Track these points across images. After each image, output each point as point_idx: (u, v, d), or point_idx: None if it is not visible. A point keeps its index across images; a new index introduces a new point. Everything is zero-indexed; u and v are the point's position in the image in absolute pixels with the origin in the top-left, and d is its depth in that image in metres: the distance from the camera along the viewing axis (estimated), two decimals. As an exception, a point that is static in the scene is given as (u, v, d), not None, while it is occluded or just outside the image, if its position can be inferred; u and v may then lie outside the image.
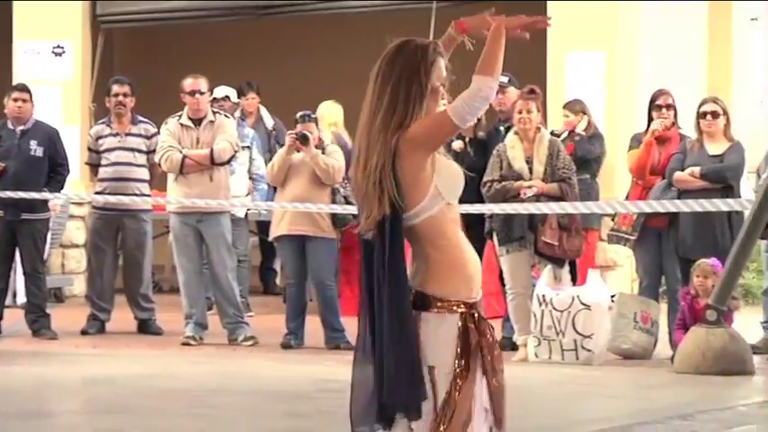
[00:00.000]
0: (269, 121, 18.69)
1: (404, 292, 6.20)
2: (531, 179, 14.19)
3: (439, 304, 6.24)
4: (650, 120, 14.84)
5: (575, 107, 15.92)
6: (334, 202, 14.78)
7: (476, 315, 6.28)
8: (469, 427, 6.28)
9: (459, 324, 6.22)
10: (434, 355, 6.22)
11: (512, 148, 14.28)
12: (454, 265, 6.32)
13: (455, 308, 6.22)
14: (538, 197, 14.08)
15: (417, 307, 6.25)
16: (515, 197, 14.12)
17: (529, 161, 14.24)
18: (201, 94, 15.41)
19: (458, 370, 6.21)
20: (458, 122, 6.11)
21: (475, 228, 14.46)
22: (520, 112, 14.34)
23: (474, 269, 6.43)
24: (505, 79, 15.51)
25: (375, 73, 6.42)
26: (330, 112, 17.15)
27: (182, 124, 15.37)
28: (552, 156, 14.25)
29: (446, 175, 6.28)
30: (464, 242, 6.43)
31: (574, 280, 14.35)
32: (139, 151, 15.93)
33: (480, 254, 14.65)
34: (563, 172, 14.24)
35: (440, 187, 6.22)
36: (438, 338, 6.24)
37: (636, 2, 18.62)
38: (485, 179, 14.25)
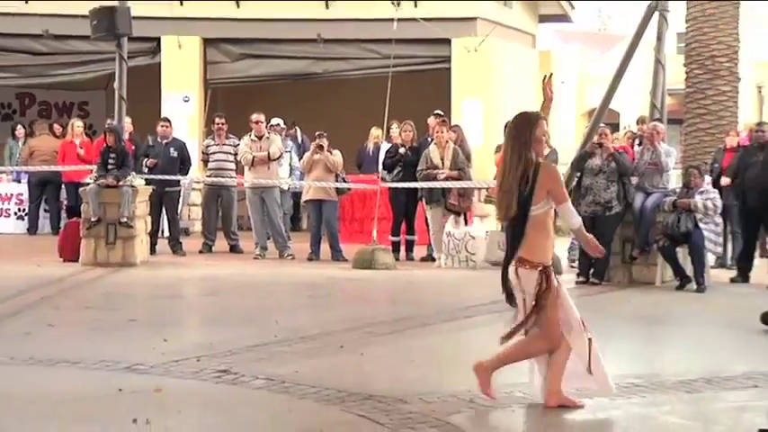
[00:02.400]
0: (300, 138, 18.57)
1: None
2: (442, 169, 14.26)
3: (528, 265, 6.12)
4: (506, 137, 15.03)
5: (455, 128, 15.55)
6: (336, 181, 14.76)
7: (549, 270, 6.12)
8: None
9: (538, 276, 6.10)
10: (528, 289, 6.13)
11: (432, 151, 14.30)
12: (541, 242, 6.13)
13: (538, 267, 6.10)
14: (446, 178, 14.16)
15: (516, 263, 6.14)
16: (434, 178, 14.22)
17: (442, 159, 14.28)
18: (261, 122, 15.33)
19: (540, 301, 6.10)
20: (559, 210, 6.08)
21: (413, 195, 14.72)
22: (437, 132, 14.57)
23: (552, 245, 6.20)
24: (441, 112, 15.78)
25: (507, 131, 6.30)
26: (376, 132, 17.18)
27: (251, 139, 15.21)
28: (455, 156, 14.31)
29: None
30: (551, 231, 6.21)
31: (466, 223, 14.42)
32: (230, 154, 15.81)
33: (415, 209, 14.98)
34: (460, 165, 14.29)
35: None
36: (529, 283, 6.14)
37: (498, 72, 18.75)
38: (418, 168, 14.27)
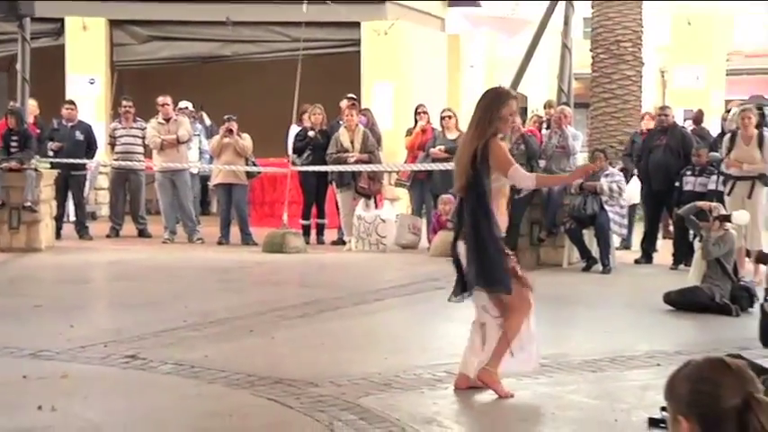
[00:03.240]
0: (208, 121, 18.54)
1: (494, 219, 6.04)
2: (352, 152, 14.33)
3: None
4: (416, 121, 15.07)
5: (365, 112, 15.71)
6: (246, 164, 14.72)
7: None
8: None
9: None
10: None
11: (342, 134, 14.31)
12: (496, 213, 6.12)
13: None
14: (356, 162, 14.18)
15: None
16: (344, 162, 14.23)
17: (352, 142, 14.33)
18: (168, 105, 15.21)
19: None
20: (508, 179, 6.11)
21: (323, 178, 14.70)
22: (346, 115, 14.55)
23: (504, 219, 6.24)
24: (354, 95, 15.73)
25: (476, 104, 6.27)
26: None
27: (159, 122, 15.09)
28: (364, 139, 14.37)
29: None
30: (503, 206, 6.23)
31: (376, 206, 14.50)
32: (138, 137, 15.60)
33: (326, 192, 14.97)
34: (370, 148, 14.34)
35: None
36: None
37: (408, 55, 18.78)
38: (328, 152, 14.28)
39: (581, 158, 14.39)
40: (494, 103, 6.18)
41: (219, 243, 14.61)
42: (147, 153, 15.81)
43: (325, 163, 14.38)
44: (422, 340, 8.09)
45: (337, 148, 14.27)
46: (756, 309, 8.46)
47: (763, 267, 9.62)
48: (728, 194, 11.62)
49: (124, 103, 15.94)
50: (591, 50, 16.69)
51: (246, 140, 14.71)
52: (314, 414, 5.75)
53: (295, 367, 6.82)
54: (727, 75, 24.90)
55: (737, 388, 2.54)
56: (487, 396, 6.29)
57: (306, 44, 16.34)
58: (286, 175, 14.98)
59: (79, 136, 15.27)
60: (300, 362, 7.06)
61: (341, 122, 14.86)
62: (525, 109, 21.41)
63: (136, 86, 19.23)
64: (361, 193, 14.24)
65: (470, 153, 6.09)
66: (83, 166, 15.39)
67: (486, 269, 6.09)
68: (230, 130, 14.57)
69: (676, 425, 2.58)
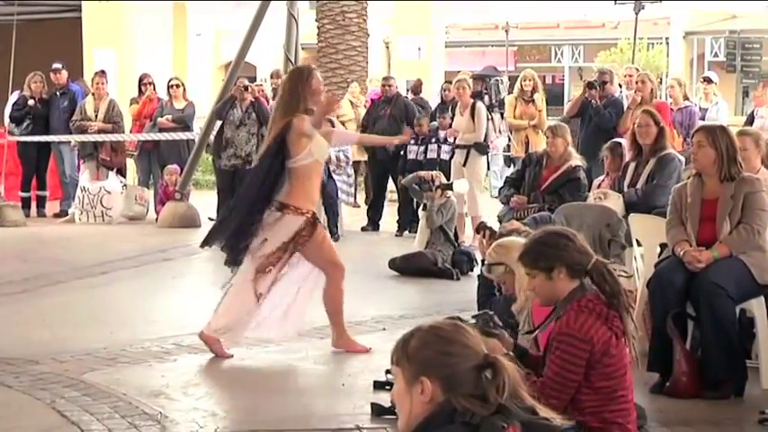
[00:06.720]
0: None
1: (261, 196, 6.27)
2: (95, 121, 13.64)
3: (292, 210, 6.31)
4: (140, 90, 14.62)
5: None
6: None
7: (315, 217, 6.42)
8: None
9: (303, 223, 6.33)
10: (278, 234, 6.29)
11: (88, 102, 13.75)
12: (306, 191, 6.36)
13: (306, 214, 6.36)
14: (99, 131, 13.50)
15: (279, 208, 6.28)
16: (86, 130, 13.53)
17: (96, 111, 13.70)
18: None
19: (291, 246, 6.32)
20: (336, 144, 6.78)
21: (44, 148, 14.07)
22: (96, 83, 13.84)
23: (316, 195, 6.54)
24: (59, 65, 15.06)
25: (281, 87, 6.48)
26: None
27: None
28: (109, 108, 13.80)
29: (318, 146, 6.31)
30: (316, 182, 6.48)
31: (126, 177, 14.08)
32: None
33: (47, 163, 14.33)
34: (115, 118, 13.75)
35: (313, 151, 6.26)
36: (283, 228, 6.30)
37: (131, 22, 18.27)
38: (73, 118, 13.62)
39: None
40: (300, 81, 6.35)
41: None
42: None
43: (45, 133, 13.80)
44: (149, 313, 7.95)
45: (81, 115, 13.77)
46: (477, 272, 8.83)
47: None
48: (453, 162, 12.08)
49: None
50: (317, 20, 16.85)
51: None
52: (35, 393, 5.57)
53: (14, 345, 6.58)
54: (446, 47, 25.68)
55: (478, 348, 2.69)
56: (218, 366, 6.27)
57: (21, 8, 15.62)
58: (2, 145, 14.29)
59: None
60: (20, 339, 6.80)
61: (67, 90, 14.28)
62: (254, 78, 21.40)
63: None
64: (103, 164, 13.78)
65: (275, 132, 6.27)
66: None
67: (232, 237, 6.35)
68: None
69: (416, 386, 2.66)
